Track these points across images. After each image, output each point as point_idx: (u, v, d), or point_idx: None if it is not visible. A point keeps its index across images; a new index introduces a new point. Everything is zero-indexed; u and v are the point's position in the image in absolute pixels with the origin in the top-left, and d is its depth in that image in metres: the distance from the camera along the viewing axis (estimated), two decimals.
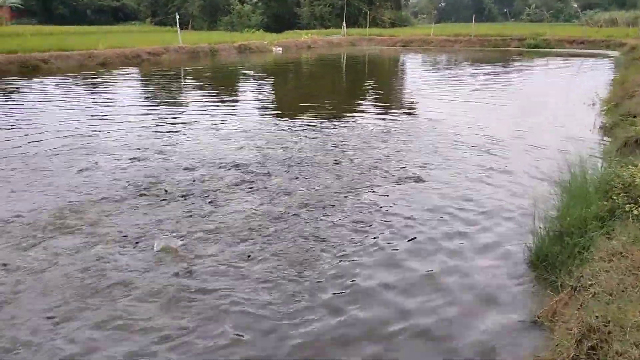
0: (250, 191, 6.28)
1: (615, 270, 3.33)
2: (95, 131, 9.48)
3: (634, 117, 8.88)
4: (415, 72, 24.22)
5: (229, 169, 7.15)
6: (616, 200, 4.33)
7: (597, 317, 2.86)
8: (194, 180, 6.65)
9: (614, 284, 3.17)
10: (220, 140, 8.93)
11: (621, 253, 3.54)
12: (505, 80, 19.39)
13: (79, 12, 57.95)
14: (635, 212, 4.06)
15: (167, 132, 9.52)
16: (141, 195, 6.10)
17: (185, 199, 5.98)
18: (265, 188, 6.38)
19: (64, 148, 8.16)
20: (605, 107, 11.02)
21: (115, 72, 19.83)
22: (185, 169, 7.17)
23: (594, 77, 18.40)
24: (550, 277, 4.10)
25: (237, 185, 6.49)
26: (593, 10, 66.14)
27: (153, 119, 10.77)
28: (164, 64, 23.62)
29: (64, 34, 32.28)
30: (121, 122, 10.41)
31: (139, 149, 8.22)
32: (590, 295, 3.21)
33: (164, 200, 5.96)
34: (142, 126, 10.03)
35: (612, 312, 2.84)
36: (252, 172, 7.00)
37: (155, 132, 9.53)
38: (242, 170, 7.10)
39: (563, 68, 24.45)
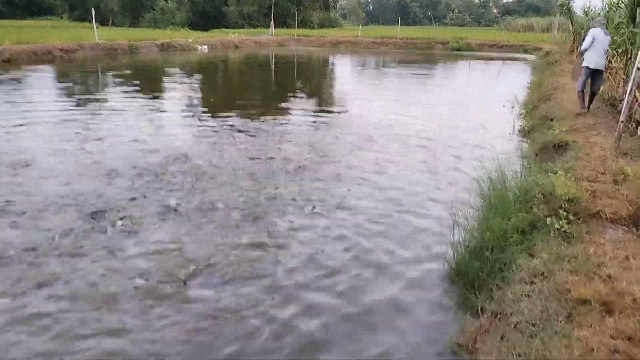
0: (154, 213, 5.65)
1: (538, 294, 3.03)
2: None
3: (551, 120, 8.94)
4: (344, 73, 24.00)
5: (129, 181, 6.47)
6: (537, 212, 4.09)
7: (519, 355, 2.52)
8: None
9: (537, 311, 2.86)
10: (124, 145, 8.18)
11: (543, 274, 3.26)
12: (431, 82, 19.51)
13: None
14: (557, 225, 3.81)
15: (57, 134, 8.63)
16: None
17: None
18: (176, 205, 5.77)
19: None
20: (523, 110, 11.16)
21: (20, 69, 18.20)
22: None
23: (513, 79, 18.89)
24: (471, 297, 3.79)
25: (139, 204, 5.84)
26: (512, 16, 69.42)
27: (44, 120, 9.74)
28: (77, 61, 22.05)
29: None
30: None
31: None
32: (512, 325, 2.88)
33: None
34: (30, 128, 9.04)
35: (535, 348, 2.51)
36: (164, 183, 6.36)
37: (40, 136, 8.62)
38: (148, 183, 6.45)
39: (485, 70, 25.08)
